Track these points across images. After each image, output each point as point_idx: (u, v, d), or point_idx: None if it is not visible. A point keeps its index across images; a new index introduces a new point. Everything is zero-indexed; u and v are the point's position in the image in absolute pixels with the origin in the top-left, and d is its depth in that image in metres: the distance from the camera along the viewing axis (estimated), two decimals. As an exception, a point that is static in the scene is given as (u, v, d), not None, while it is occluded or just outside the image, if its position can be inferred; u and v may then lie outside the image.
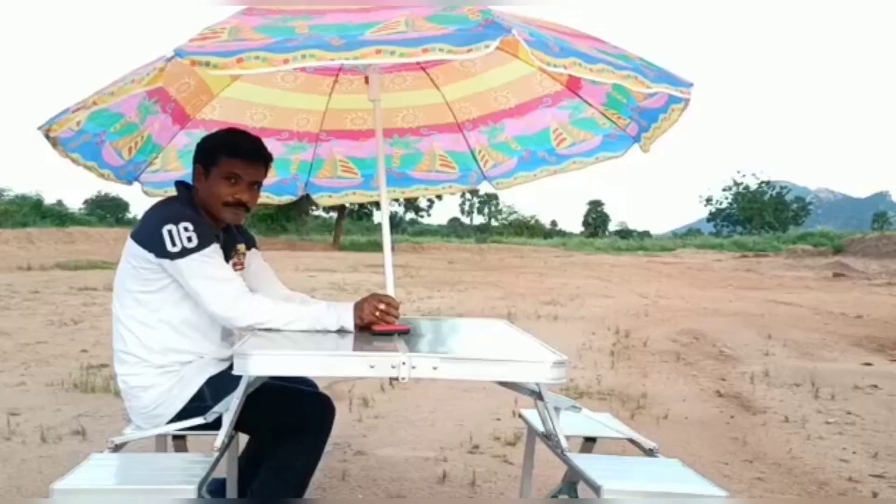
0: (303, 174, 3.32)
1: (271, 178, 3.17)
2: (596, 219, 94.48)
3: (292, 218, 43.54)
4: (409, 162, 3.29)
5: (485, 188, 3.39)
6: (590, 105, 2.81)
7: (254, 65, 1.66)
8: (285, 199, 3.35)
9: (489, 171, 3.22)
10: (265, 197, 3.21)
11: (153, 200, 2.53)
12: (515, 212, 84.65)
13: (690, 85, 2.12)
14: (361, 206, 39.66)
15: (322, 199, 3.40)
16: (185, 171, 2.59)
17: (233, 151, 2.38)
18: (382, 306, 2.29)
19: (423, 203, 44.96)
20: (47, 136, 2.17)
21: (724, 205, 72.26)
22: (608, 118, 2.79)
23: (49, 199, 53.11)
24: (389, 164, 3.22)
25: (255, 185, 2.45)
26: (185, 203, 2.38)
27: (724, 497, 1.93)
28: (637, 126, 2.68)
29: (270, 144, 2.55)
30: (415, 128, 3.22)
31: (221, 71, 1.66)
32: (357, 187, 3.34)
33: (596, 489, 1.96)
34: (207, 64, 1.66)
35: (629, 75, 1.91)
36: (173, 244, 2.22)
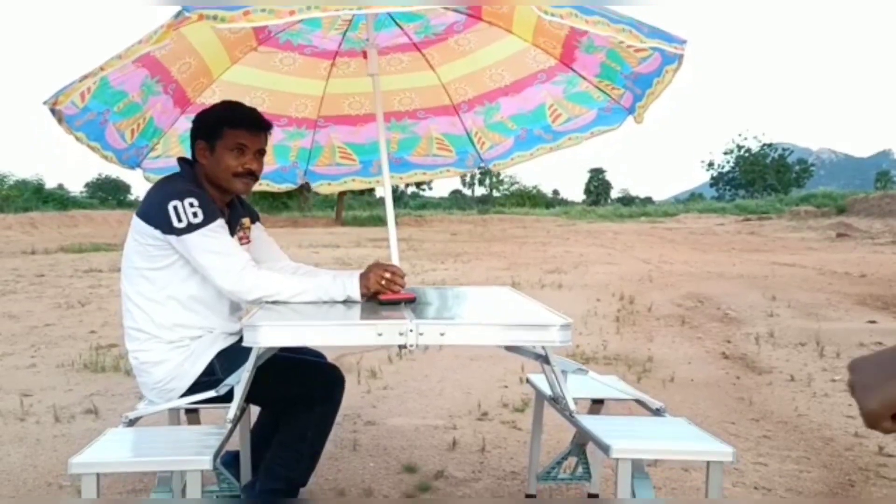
0: (302, 161, 3.32)
1: (271, 165, 3.18)
2: (598, 187, 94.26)
3: (294, 195, 43.46)
4: (406, 146, 3.29)
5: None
6: (584, 78, 2.79)
7: (260, 17, 1.67)
8: (285, 186, 3.36)
9: (486, 152, 3.22)
10: (265, 185, 3.22)
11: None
12: (517, 182, 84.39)
13: (684, 42, 2.11)
14: (362, 182, 39.50)
15: (321, 187, 3.41)
16: (186, 156, 2.60)
17: (235, 122, 2.39)
18: (388, 275, 2.31)
19: (423, 176, 44.83)
20: (53, 111, 2.17)
21: (726, 169, 72.03)
22: (602, 90, 2.78)
23: (50, 184, 53.10)
24: (387, 149, 3.22)
25: (260, 154, 2.46)
26: (188, 179, 2.39)
27: (731, 452, 1.95)
28: (632, 95, 2.67)
29: (273, 126, 2.55)
30: (411, 111, 3.21)
31: (229, 24, 1.68)
32: (356, 174, 3.35)
33: (605, 449, 1.99)
34: (215, 17, 1.67)
35: (624, 29, 1.90)
36: (179, 220, 2.23)
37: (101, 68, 1.97)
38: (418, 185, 46.89)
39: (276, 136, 3.07)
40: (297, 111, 3.17)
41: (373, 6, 1.68)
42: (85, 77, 2.04)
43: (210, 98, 2.91)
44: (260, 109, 2.57)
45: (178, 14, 1.74)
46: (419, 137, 3.27)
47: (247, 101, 2.98)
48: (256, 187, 2.70)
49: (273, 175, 3.25)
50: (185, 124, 2.88)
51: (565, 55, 2.75)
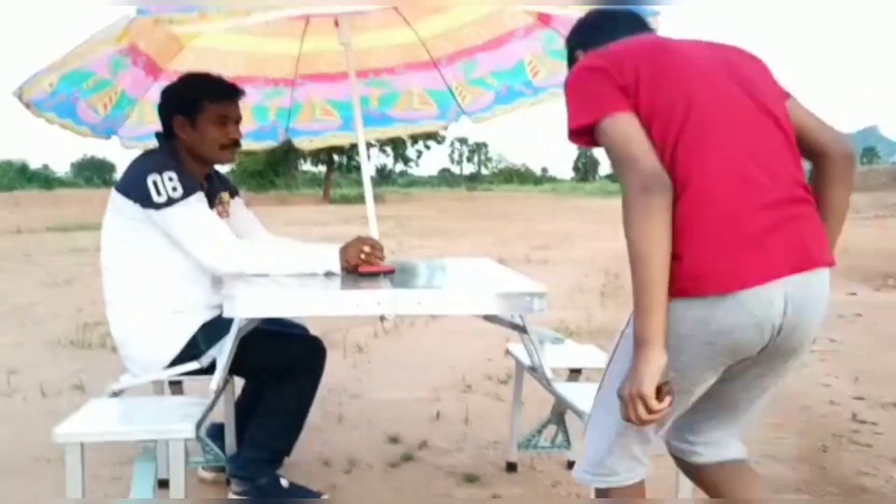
0: (282, 120, 3.32)
1: (251, 125, 3.18)
2: (586, 164, 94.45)
3: (281, 173, 43.25)
4: (386, 102, 3.30)
5: (473, 137, 3.42)
6: (562, 36, 2.81)
7: (216, 18, 1.67)
8: (266, 144, 3.38)
9: (467, 106, 3.23)
10: (245, 144, 3.23)
11: (136, 154, 2.55)
12: (505, 160, 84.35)
13: (657, 14, 2.14)
14: (350, 158, 39.47)
15: (303, 143, 3.42)
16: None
17: (215, 95, 2.40)
18: (367, 248, 2.33)
19: (412, 153, 44.58)
20: (20, 99, 2.19)
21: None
22: None
23: (34, 164, 52.61)
24: (367, 105, 3.23)
25: (239, 121, 2.48)
26: (167, 153, 2.40)
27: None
28: None
29: (247, 92, 2.56)
30: (390, 67, 3.21)
31: (185, 27, 1.68)
32: (338, 129, 3.36)
33: (580, 415, 2.03)
34: (171, 21, 1.68)
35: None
36: (159, 194, 2.25)
37: (63, 64, 1.98)
38: (406, 162, 46.71)
39: (252, 98, 3.07)
40: (272, 72, 3.16)
41: (323, 8, 1.68)
42: (49, 71, 2.04)
43: (182, 64, 2.89)
44: (234, 73, 2.58)
45: (134, 19, 1.74)
46: (399, 93, 3.28)
47: (220, 65, 2.98)
48: None
49: (253, 134, 3.26)
50: (158, 92, 2.88)
51: (543, 14, 2.77)
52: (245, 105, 2.57)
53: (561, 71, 2.91)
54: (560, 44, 2.84)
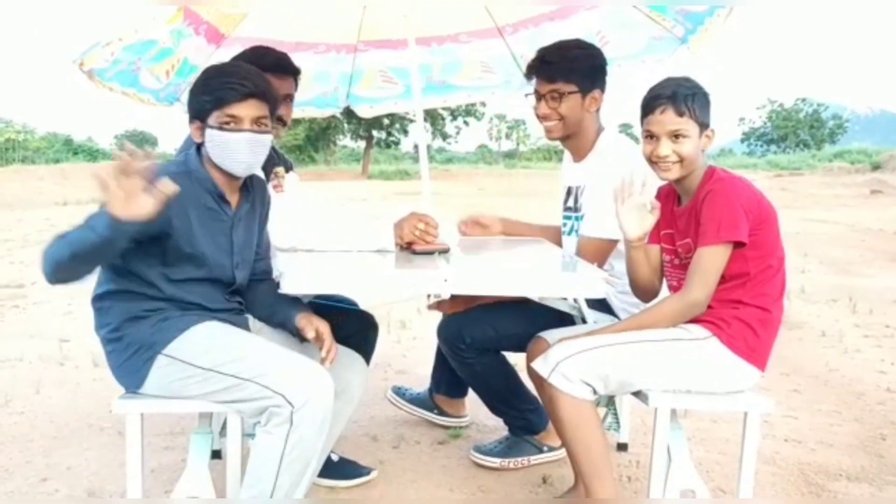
0: (343, 85, 3.29)
1: (311, 91, 3.16)
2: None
3: (320, 148, 43.34)
4: (449, 70, 3.25)
5: (512, 114, 3.36)
6: (632, 7, 2.73)
7: None
8: (328, 111, 3.36)
9: None
10: (306, 111, 3.21)
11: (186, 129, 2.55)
12: (543, 137, 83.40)
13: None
14: (389, 134, 39.59)
15: (363, 109, 3.38)
16: None
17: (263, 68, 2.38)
18: (422, 225, 2.29)
19: (451, 130, 44.32)
20: (80, 68, 2.19)
21: (758, 124, 70.36)
22: (652, 20, 2.71)
23: (79, 137, 53.27)
24: (430, 73, 3.19)
25: (288, 99, 2.46)
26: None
27: (770, 404, 1.97)
28: (683, 28, 2.60)
29: (307, 58, 2.54)
30: (453, 35, 3.16)
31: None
32: (398, 97, 3.32)
33: (643, 398, 2.00)
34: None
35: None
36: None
37: (120, 38, 1.97)
38: (444, 138, 46.48)
39: (314, 64, 3.04)
40: (335, 37, 3.12)
41: None
42: (109, 42, 2.04)
43: (245, 31, 2.87)
44: (296, 39, 2.53)
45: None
46: (462, 61, 3.23)
47: (281, 31, 2.96)
48: (299, 114, 2.70)
49: (315, 101, 3.24)
50: (222, 57, 2.86)
51: None
52: (307, 71, 2.55)
53: (630, 42, 2.83)
54: (630, 15, 2.77)
